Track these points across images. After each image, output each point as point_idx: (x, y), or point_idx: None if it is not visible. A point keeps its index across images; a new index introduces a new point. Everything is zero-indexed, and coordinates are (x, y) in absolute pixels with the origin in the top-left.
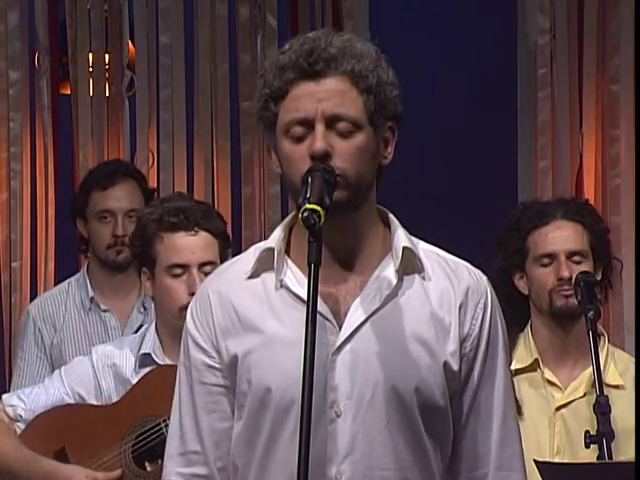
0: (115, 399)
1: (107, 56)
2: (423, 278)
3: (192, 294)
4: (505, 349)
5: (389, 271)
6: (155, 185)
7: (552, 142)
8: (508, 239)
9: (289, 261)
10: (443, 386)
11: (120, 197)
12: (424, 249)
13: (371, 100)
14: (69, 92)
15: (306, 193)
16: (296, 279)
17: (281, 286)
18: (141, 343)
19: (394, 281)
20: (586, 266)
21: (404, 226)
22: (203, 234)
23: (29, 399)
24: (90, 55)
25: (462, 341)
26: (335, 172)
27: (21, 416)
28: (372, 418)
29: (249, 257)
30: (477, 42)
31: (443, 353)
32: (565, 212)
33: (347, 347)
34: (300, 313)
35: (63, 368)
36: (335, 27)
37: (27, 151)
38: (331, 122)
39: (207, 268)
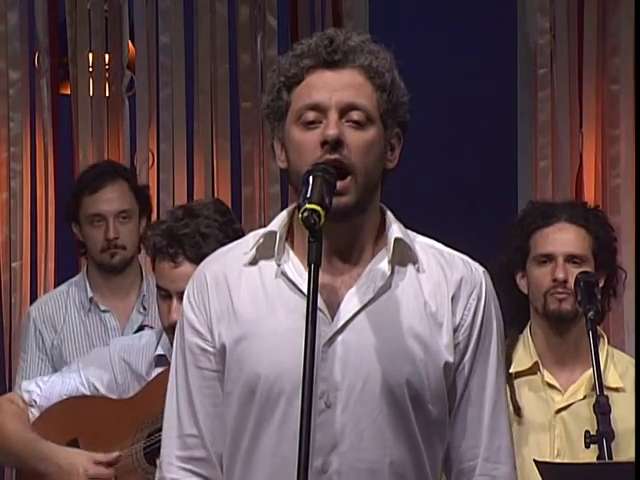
0: (130, 394)
1: (107, 56)
2: (417, 270)
3: (172, 324)
4: (499, 342)
5: (383, 263)
6: (155, 185)
7: (552, 142)
8: (512, 236)
9: (290, 251)
10: (437, 379)
11: (110, 200)
12: (420, 242)
13: (384, 98)
14: (69, 92)
15: (306, 193)
16: (295, 268)
17: (281, 273)
18: (158, 342)
19: (387, 272)
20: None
21: (402, 222)
22: (186, 265)
23: (46, 386)
24: (90, 55)
25: (454, 331)
26: (344, 164)
27: (35, 401)
28: (362, 410)
29: (248, 244)
30: (477, 42)
31: (436, 346)
32: (570, 215)
33: (339, 338)
34: (295, 303)
35: (82, 358)
36: (335, 27)
37: (27, 151)
38: (345, 112)
39: None
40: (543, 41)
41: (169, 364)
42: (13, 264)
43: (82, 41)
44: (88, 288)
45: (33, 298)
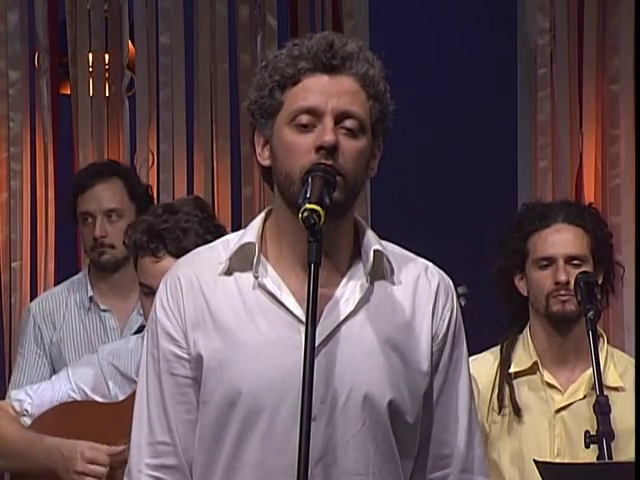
0: (121, 398)
1: (107, 56)
2: (393, 282)
3: None
4: (466, 352)
5: (360, 274)
6: (155, 185)
7: (552, 142)
8: (509, 239)
9: (263, 259)
10: (414, 392)
11: (98, 198)
12: (395, 253)
13: (377, 107)
14: (69, 92)
15: (306, 193)
16: (271, 279)
17: (258, 285)
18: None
19: (366, 285)
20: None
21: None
22: (168, 259)
23: (36, 394)
24: (90, 55)
25: (431, 341)
26: (337, 170)
27: (27, 410)
28: (346, 422)
29: (219, 253)
30: (477, 42)
31: (414, 358)
32: (567, 215)
33: (322, 351)
34: (275, 314)
35: (71, 365)
36: (335, 27)
37: (27, 151)
38: (340, 119)
39: None
40: (543, 41)
41: None
42: (13, 264)
43: (82, 41)
44: (89, 287)
45: (33, 298)
